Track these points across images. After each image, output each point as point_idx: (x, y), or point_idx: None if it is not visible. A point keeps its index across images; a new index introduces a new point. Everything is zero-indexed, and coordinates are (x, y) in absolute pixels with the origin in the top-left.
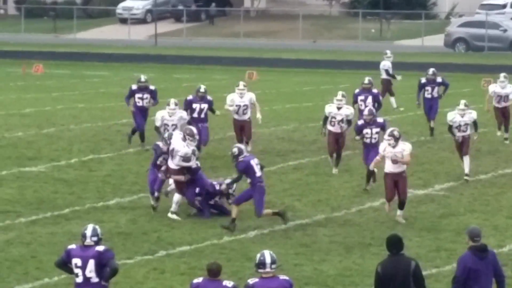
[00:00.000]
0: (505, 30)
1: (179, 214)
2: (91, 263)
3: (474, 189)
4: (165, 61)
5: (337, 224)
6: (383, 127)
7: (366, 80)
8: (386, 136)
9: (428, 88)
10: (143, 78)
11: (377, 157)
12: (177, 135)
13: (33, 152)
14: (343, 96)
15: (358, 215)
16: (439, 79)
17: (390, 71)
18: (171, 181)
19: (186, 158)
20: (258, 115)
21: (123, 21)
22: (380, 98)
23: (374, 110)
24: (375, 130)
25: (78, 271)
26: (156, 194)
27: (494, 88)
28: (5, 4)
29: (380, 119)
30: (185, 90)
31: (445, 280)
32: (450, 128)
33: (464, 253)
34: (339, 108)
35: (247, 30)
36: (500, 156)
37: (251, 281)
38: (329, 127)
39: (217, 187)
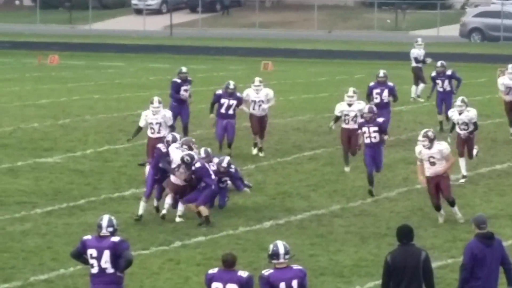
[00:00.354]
0: None
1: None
2: (107, 254)
3: (489, 179)
4: (180, 52)
5: (353, 214)
6: (381, 127)
7: (381, 73)
8: (420, 138)
9: (439, 81)
10: (184, 69)
11: (417, 163)
12: (173, 148)
13: (48, 143)
14: (354, 92)
15: (373, 206)
16: (448, 72)
17: (420, 59)
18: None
19: (187, 165)
20: (266, 106)
21: (139, 11)
22: (396, 91)
23: (374, 108)
24: (372, 129)
25: (93, 261)
26: (155, 203)
27: (502, 80)
28: None
29: (380, 119)
30: (201, 80)
31: None
32: (453, 126)
33: (470, 240)
34: (350, 105)
35: (262, 20)
36: None
37: (265, 272)
38: (343, 125)
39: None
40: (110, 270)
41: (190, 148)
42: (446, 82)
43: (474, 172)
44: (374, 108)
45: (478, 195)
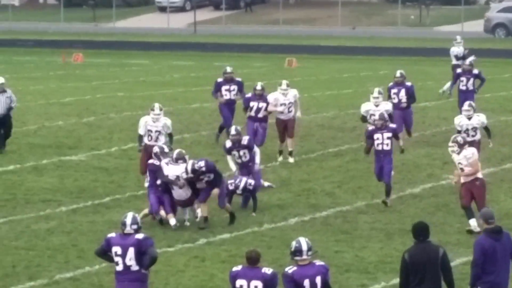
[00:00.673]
0: None
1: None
2: (131, 251)
3: None
4: (204, 49)
5: (378, 210)
6: (394, 132)
7: (398, 74)
8: (450, 143)
9: (463, 79)
10: (229, 69)
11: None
12: (164, 164)
13: (73, 141)
14: (379, 93)
15: (398, 202)
16: (475, 71)
17: (460, 56)
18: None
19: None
20: (298, 114)
21: (162, 9)
22: (414, 90)
23: (385, 115)
24: (386, 135)
25: (118, 259)
26: (173, 221)
27: None
28: None
29: (392, 124)
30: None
31: None
32: (459, 133)
33: (479, 236)
34: (377, 105)
35: (286, 17)
36: None
37: (289, 269)
38: (369, 126)
39: (232, 186)
40: (135, 267)
41: (185, 160)
42: (471, 80)
43: (498, 168)
44: (385, 115)
45: (503, 191)
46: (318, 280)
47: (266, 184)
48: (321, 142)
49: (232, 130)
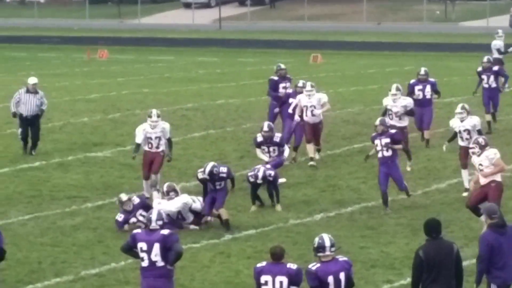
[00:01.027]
0: None
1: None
2: (156, 247)
3: None
4: (229, 45)
5: (403, 206)
6: (393, 138)
7: (422, 71)
8: (471, 144)
9: (484, 76)
10: (282, 65)
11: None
12: (156, 203)
13: (98, 137)
14: (397, 89)
15: (424, 197)
16: (495, 68)
17: (502, 50)
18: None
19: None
20: (319, 111)
21: (187, 5)
22: (438, 86)
23: (386, 120)
24: (384, 141)
25: (143, 255)
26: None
27: None
28: None
29: (392, 130)
30: (249, 74)
31: None
32: (455, 136)
33: (484, 232)
34: (395, 102)
35: (311, 13)
36: None
37: (312, 266)
38: (390, 122)
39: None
40: (160, 263)
41: (176, 192)
42: (492, 78)
43: None
44: (386, 120)
45: None
46: (342, 276)
47: (280, 180)
48: (346, 138)
49: (265, 126)
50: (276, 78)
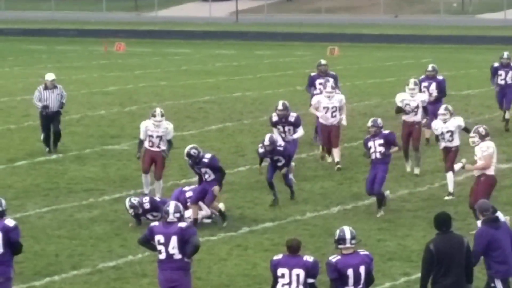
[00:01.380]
0: None
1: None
2: (174, 240)
3: None
4: (246, 38)
5: (421, 199)
6: (386, 139)
7: (430, 67)
8: (471, 133)
9: (501, 72)
10: (323, 61)
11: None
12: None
13: (115, 130)
14: (415, 84)
15: (441, 190)
16: None
17: None
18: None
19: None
20: (344, 121)
21: None
22: (445, 85)
23: (378, 121)
24: (377, 142)
25: (161, 248)
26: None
27: None
28: None
29: (385, 131)
30: (267, 66)
31: None
32: (437, 137)
33: (479, 228)
34: (413, 96)
35: (328, 5)
36: None
37: (333, 258)
38: (404, 117)
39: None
40: (178, 256)
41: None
42: (510, 74)
43: None
44: (379, 121)
45: None
46: (362, 269)
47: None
48: (363, 131)
49: (279, 105)
50: (313, 74)
